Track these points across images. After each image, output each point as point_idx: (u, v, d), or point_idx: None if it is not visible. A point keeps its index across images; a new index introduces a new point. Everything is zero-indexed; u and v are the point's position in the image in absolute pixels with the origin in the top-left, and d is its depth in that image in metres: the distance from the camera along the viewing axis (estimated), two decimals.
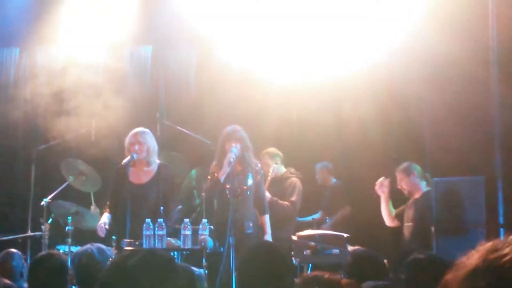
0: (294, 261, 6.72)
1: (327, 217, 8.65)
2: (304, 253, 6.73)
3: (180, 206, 7.72)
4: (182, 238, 6.40)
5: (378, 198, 8.24)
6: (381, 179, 7.45)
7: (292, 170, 8.28)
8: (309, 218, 8.72)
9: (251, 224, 7.03)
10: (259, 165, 7.26)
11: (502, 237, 1.51)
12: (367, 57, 8.58)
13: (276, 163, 8.12)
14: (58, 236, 7.89)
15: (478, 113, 7.87)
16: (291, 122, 9.03)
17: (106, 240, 6.49)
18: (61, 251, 7.27)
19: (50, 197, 7.53)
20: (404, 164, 7.41)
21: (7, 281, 4.84)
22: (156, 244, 6.25)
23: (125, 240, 6.39)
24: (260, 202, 7.22)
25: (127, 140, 6.94)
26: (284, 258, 3.83)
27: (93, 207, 8.11)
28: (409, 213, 7.29)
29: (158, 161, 7.04)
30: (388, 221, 7.49)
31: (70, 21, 9.20)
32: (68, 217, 7.32)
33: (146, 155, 6.88)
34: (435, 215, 6.84)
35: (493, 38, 7.53)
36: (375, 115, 8.71)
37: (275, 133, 8.82)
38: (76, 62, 9.25)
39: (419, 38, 8.20)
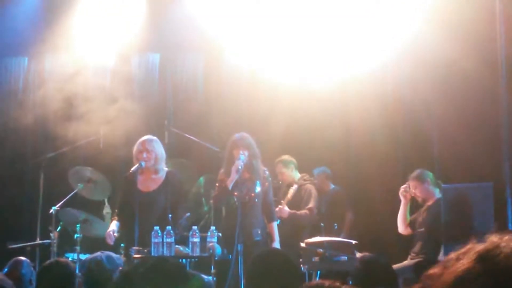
0: (302, 268, 6.71)
1: (335, 224, 8.62)
2: (313, 260, 6.72)
3: (188, 214, 7.72)
4: (190, 246, 6.40)
5: (385, 204, 8.24)
6: (405, 185, 7.40)
7: (306, 176, 8.30)
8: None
9: (259, 231, 7.02)
10: (267, 172, 7.25)
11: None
12: (375, 64, 8.59)
13: (295, 184, 8.15)
14: (67, 244, 7.89)
15: (486, 120, 7.87)
16: (298, 128, 9.02)
17: (114, 248, 6.49)
18: (69, 259, 7.28)
19: (58, 205, 7.55)
20: (417, 172, 7.37)
21: None
22: (165, 252, 6.26)
23: (134, 247, 6.40)
24: (268, 209, 7.21)
25: (135, 148, 6.96)
26: (292, 265, 3.82)
27: (106, 206, 8.12)
28: (421, 220, 7.27)
29: (166, 169, 7.06)
30: (401, 227, 7.42)
31: (78, 30, 9.24)
32: (77, 225, 7.33)
33: (154, 162, 6.89)
34: (443, 221, 6.83)
35: (501, 45, 7.53)
36: (382, 121, 8.70)
37: (282, 139, 8.82)
38: (84, 70, 9.28)
39: (427, 45, 8.21)
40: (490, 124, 7.89)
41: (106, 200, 8.25)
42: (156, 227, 6.32)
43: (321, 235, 7.66)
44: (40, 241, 8.03)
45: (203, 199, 8.40)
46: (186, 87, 9.60)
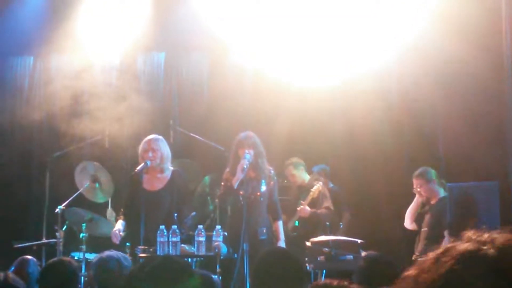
0: (308, 267, 6.72)
1: (340, 223, 8.62)
2: (318, 259, 6.72)
3: (193, 213, 7.73)
4: (196, 245, 6.41)
5: (390, 203, 8.24)
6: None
7: (316, 176, 8.34)
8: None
9: (264, 230, 7.03)
10: (272, 171, 7.26)
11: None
12: (379, 63, 8.58)
13: (318, 184, 8.20)
14: (73, 243, 7.91)
15: (491, 119, 7.86)
16: (302, 127, 9.02)
17: (120, 247, 6.50)
18: (75, 258, 7.30)
19: (64, 204, 7.56)
20: (421, 170, 7.30)
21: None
22: (170, 251, 6.27)
23: (139, 247, 6.41)
24: (274, 208, 7.22)
25: (140, 147, 6.98)
26: (298, 264, 3.83)
27: (109, 211, 8.14)
28: (425, 219, 7.25)
29: (171, 168, 7.07)
30: (408, 222, 7.40)
31: (83, 29, 9.26)
32: (83, 224, 7.35)
33: (160, 162, 6.91)
34: (449, 220, 6.81)
35: (506, 44, 7.52)
36: (386, 120, 8.69)
37: (286, 139, 8.82)
38: (89, 70, 9.29)
39: (431, 44, 8.20)
40: (495, 122, 7.88)
41: (109, 204, 8.27)
42: (162, 226, 6.34)
43: (326, 234, 7.68)
44: (46, 240, 8.05)
45: (209, 198, 8.41)
46: (191, 87, 9.60)
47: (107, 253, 4.89)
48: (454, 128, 8.18)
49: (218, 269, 6.31)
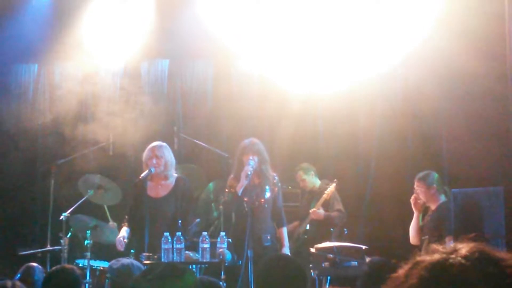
0: (312, 274, 6.71)
1: (345, 229, 8.61)
2: (323, 265, 6.70)
3: (198, 219, 7.73)
4: (200, 251, 6.41)
5: (394, 209, 8.22)
6: (414, 195, 7.25)
7: (327, 181, 8.37)
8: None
9: (269, 237, 7.02)
10: (276, 178, 7.25)
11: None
12: (383, 69, 8.59)
13: (332, 185, 8.24)
14: (77, 250, 7.92)
15: (496, 124, 7.86)
16: (306, 134, 9.03)
17: (125, 254, 6.50)
18: (80, 265, 7.30)
19: (69, 211, 7.56)
20: (423, 173, 7.18)
21: None
22: (175, 258, 6.27)
23: (144, 254, 6.41)
24: (278, 214, 7.21)
25: (145, 154, 6.99)
26: (301, 271, 3.82)
27: (110, 223, 8.14)
28: (425, 228, 7.21)
29: (175, 175, 7.08)
30: (414, 239, 7.25)
31: (87, 37, 9.28)
32: (87, 231, 7.35)
33: (164, 169, 6.92)
34: (453, 226, 6.79)
35: (511, 50, 7.51)
36: (391, 125, 8.70)
37: (291, 145, 8.82)
38: (93, 77, 9.32)
39: (435, 49, 8.20)
40: (500, 128, 7.87)
41: (108, 215, 8.27)
42: (166, 233, 6.34)
43: (330, 241, 7.67)
44: (51, 248, 8.06)
45: (213, 205, 8.41)
46: (195, 93, 9.61)
47: (126, 260, 4.91)
48: (458, 133, 8.17)
49: (222, 276, 6.30)
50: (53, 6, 9.49)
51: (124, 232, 6.83)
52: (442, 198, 7.06)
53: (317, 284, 6.89)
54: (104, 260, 7.49)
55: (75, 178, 8.31)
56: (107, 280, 7.03)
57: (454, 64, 8.03)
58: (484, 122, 7.97)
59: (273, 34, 8.96)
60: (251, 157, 6.95)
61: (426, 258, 1.47)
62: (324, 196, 8.15)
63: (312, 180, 8.48)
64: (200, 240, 6.43)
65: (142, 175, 6.82)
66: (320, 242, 7.01)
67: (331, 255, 6.65)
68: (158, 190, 6.97)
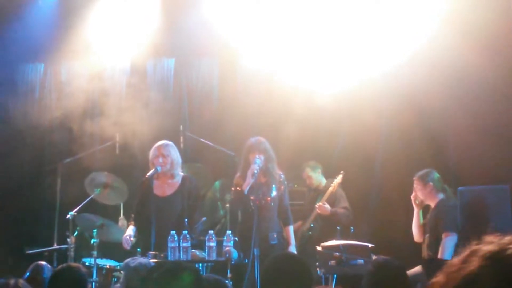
0: (318, 272, 6.71)
1: (351, 227, 8.61)
2: (329, 263, 6.70)
3: (204, 218, 7.75)
4: (206, 250, 6.42)
5: (400, 208, 8.21)
6: (413, 193, 7.27)
7: (332, 180, 8.39)
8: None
9: (275, 235, 7.03)
10: (282, 176, 7.26)
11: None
12: (389, 68, 8.57)
13: (337, 177, 8.25)
14: (84, 249, 7.93)
15: (501, 122, 7.84)
16: (312, 133, 9.01)
17: (131, 253, 6.52)
18: (86, 263, 7.32)
19: (75, 210, 7.57)
20: (422, 172, 7.17)
21: None
22: (181, 256, 6.28)
23: (150, 252, 6.43)
24: (284, 213, 7.22)
25: (151, 153, 7.00)
26: (306, 269, 3.82)
27: (121, 219, 8.15)
28: (427, 226, 7.21)
29: (182, 173, 7.09)
30: (417, 236, 7.29)
31: (93, 36, 9.30)
32: (94, 230, 7.36)
33: (170, 167, 6.93)
34: (460, 224, 6.78)
35: None
36: (396, 124, 8.68)
37: (296, 144, 8.81)
38: (99, 76, 9.34)
39: (441, 48, 8.18)
40: (506, 126, 7.86)
41: (121, 211, 8.28)
42: (173, 232, 6.35)
43: (336, 239, 7.67)
44: (57, 246, 8.09)
45: (219, 203, 8.42)
46: (201, 92, 9.62)
47: (143, 259, 4.93)
48: (464, 132, 8.16)
49: (229, 274, 6.31)
50: (60, 6, 9.52)
51: (130, 230, 6.85)
52: (440, 196, 7.06)
53: (323, 283, 6.88)
54: (111, 259, 7.51)
55: (81, 177, 8.32)
56: (114, 279, 7.07)
57: (459, 62, 8.01)
58: (490, 120, 7.95)
59: (278, 33, 8.97)
60: (257, 156, 6.96)
61: (482, 247, 1.47)
62: (330, 189, 8.16)
63: (319, 178, 8.51)
64: (206, 239, 6.44)
65: (149, 173, 6.83)
66: (325, 240, 7.01)
67: (337, 253, 6.64)
68: (165, 188, 6.98)
